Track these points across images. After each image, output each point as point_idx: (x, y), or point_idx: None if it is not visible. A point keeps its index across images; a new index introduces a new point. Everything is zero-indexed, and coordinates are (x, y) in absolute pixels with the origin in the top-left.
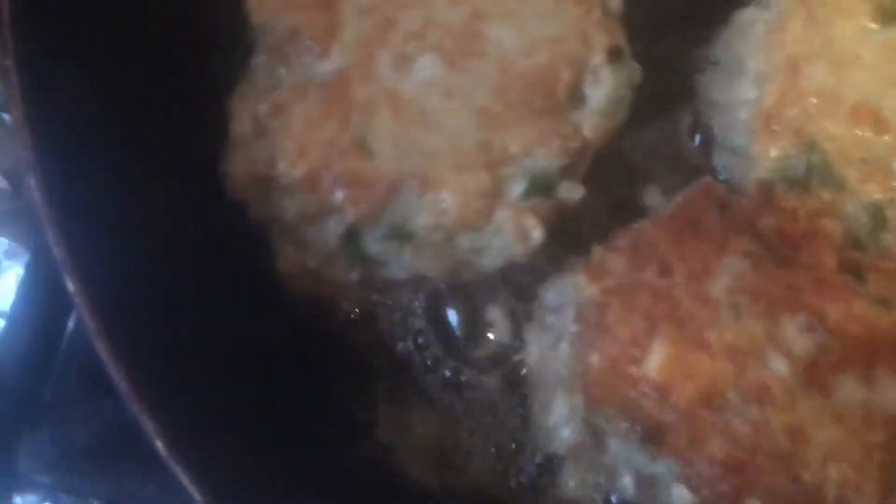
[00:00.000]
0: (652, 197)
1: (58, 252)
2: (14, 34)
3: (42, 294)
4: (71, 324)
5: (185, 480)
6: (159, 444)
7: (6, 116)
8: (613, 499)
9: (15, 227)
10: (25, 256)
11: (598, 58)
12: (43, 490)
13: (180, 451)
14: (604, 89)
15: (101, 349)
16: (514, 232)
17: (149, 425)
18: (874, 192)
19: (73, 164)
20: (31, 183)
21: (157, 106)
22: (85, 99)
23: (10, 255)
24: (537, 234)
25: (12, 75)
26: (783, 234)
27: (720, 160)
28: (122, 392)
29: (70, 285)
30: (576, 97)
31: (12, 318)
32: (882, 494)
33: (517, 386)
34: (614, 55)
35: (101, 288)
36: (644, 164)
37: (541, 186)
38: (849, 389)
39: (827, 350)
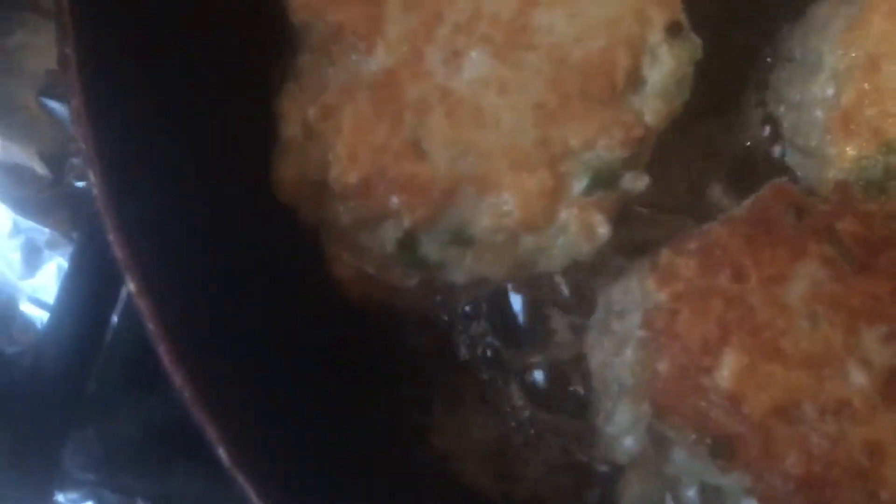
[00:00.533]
0: (719, 196)
1: (119, 252)
2: (74, 23)
3: (86, 287)
4: (115, 318)
5: (246, 487)
6: (221, 452)
7: (48, 102)
8: None
9: (56, 216)
10: (67, 246)
11: (656, 36)
12: (87, 487)
13: (241, 458)
14: (664, 69)
15: (163, 353)
16: (580, 229)
17: (211, 432)
18: None
19: (131, 159)
20: (91, 177)
21: (208, 105)
22: (141, 94)
23: (51, 245)
24: (603, 229)
25: (72, 65)
26: (862, 240)
27: (791, 159)
28: (184, 397)
29: (131, 286)
30: (635, 81)
31: (56, 311)
32: None
33: (578, 391)
34: (673, 30)
35: (160, 290)
36: (710, 161)
37: (604, 179)
38: None
39: None
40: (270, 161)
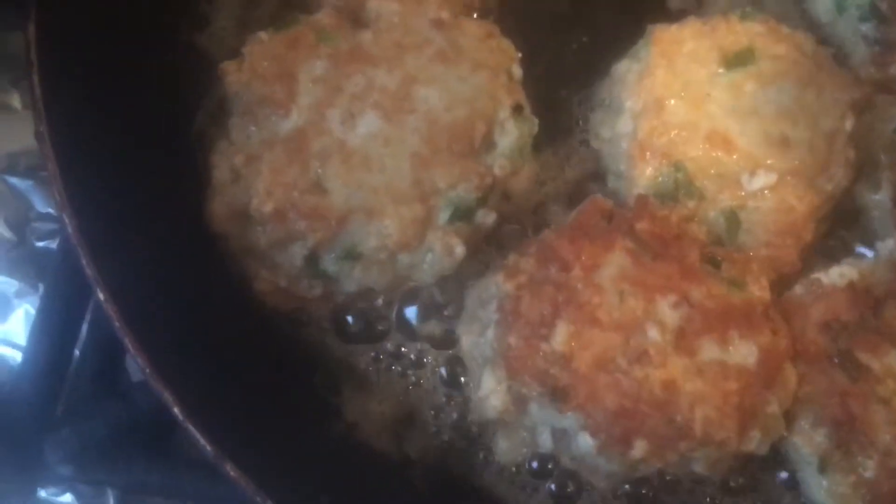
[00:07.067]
0: (556, 213)
1: (90, 272)
2: (45, 106)
3: (52, 328)
4: (77, 352)
5: (196, 434)
6: (176, 411)
7: (10, 179)
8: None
9: (22, 271)
10: (32, 295)
11: (504, 112)
12: (65, 483)
13: (191, 415)
14: (509, 138)
15: (129, 343)
16: (442, 250)
17: (167, 396)
18: (728, 200)
19: (98, 205)
20: (65, 219)
21: (158, 160)
22: (103, 157)
23: (19, 294)
24: (460, 250)
25: (45, 139)
26: (656, 236)
27: (610, 182)
28: (146, 375)
29: (101, 295)
30: (488, 144)
31: (28, 348)
32: (737, 430)
33: (455, 367)
34: (517, 111)
35: (124, 299)
36: (551, 188)
37: (462, 214)
38: (709, 350)
39: (691, 321)
40: (203, 201)
